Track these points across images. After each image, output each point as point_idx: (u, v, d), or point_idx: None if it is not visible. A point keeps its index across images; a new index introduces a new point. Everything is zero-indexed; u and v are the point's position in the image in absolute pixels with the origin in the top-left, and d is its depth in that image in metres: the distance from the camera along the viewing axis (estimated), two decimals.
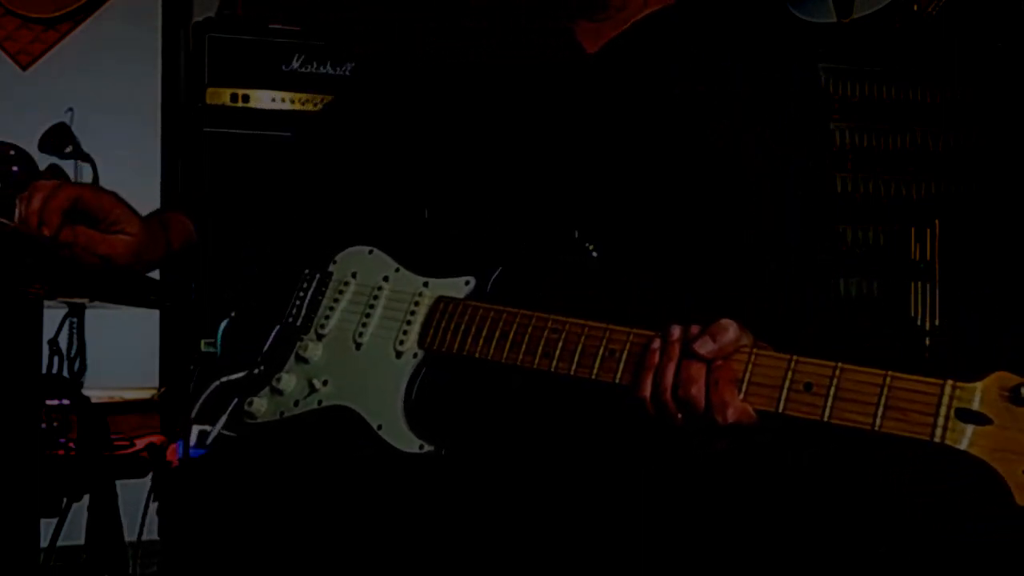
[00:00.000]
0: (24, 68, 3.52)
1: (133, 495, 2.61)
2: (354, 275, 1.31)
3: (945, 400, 0.88)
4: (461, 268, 1.22)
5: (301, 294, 1.34)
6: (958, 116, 2.54)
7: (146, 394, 2.79)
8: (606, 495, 1.18)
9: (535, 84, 1.37)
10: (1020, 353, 2.32)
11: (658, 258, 1.27)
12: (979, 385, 0.87)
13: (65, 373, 2.70)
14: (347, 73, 2.98)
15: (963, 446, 0.86)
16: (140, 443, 2.51)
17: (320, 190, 1.52)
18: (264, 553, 1.18)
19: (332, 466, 1.22)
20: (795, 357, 0.96)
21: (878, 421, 0.90)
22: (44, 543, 2.22)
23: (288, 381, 1.28)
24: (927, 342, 2.47)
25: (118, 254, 1.31)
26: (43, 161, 2.74)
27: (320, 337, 1.29)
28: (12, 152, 2.55)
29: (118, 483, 2.43)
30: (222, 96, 2.88)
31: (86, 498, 2.38)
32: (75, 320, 2.73)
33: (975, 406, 0.87)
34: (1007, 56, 2.48)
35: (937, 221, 2.48)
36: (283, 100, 2.92)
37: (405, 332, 1.22)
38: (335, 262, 1.34)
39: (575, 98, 1.35)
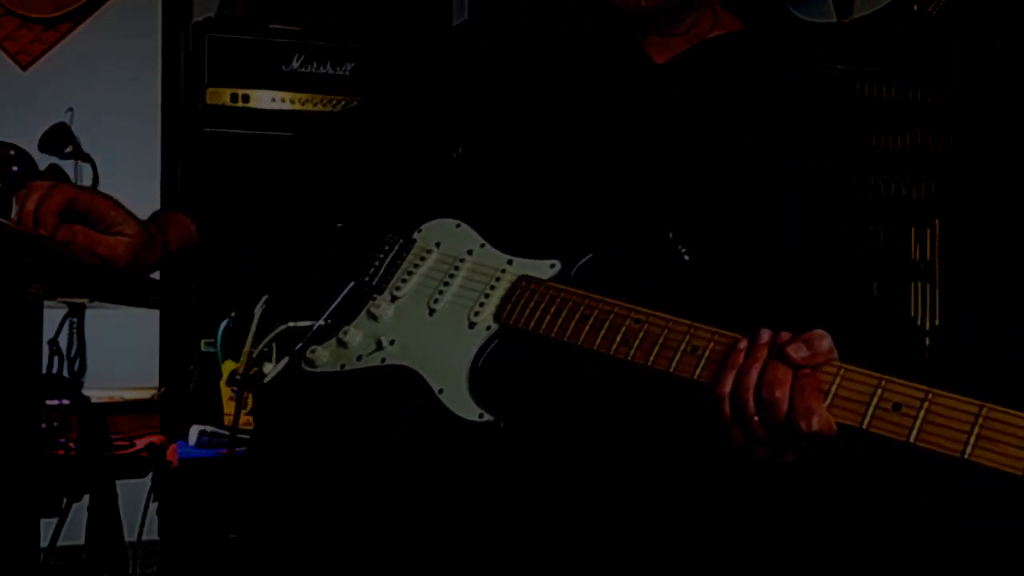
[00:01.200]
0: (24, 68, 3.52)
1: (133, 495, 2.62)
2: (438, 245, 1.34)
3: None
4: (547, 251, 1.25)
5: (381, 255, 1.36)
6: (958, 116, 2.54)
7: (146, 394, 2.79)
8: (657, 493, 1.19)
9: (615, 83, 1.40)
10: (1020, 353, 2.33)
11: (736, 267, 1.29)
12: None
13: (65, 373, 2.70)
14: (347, 73, 2.98)
15: None
16: (140, 443, 2.52)
17: (410, 159, 1.53)
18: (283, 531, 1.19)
19: (381, 425, 1.23)
20: (885, 376, 0.96)
21: (968, 450, 0.89)
22: (44, 543, 2.22)
23: (355, 335, 1.30)
24: (927, 342, 2.47)
25: (117, 255, 1.32)
26: (43, 161, 2.74)
27: (394, 299, 1.31)
28: (12, 152, 2.55)
29: (118, 483, 2.43)
30: (222, 96, 2.88)
31: (86, 498, 2.38)
32: (75, 320, 2.73)
33: None
34: (1007, 56, 2.48)
35: (937, 221, 2.48)
36: (283, 100, 2.93)
37: (482, 304, 1.24)
38: (420, 231, 1.37)
39: (652, 103, 1.38)
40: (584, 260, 1.22)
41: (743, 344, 1.04)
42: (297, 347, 1.32)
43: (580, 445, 1.23)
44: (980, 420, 0.89)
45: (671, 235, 1.19)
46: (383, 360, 1.27)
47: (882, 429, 0.94)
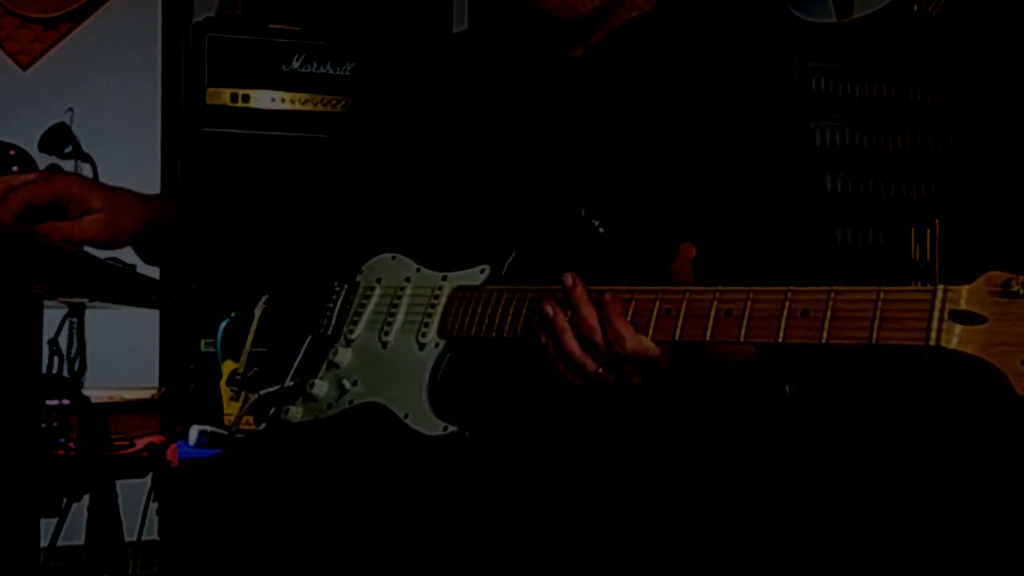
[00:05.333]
0: (24, 68, 3.52)
1: (133, 495, 2.61)
2: (379, 280, 1.37)
3: (937, 304, 0.90)
4: (477, 259, 1.28)
5: (331, 305, 1.39)
6: (958, 116, 2.54)
7: (146, 394, 2.78)
8: (617, 469, 1.22)
9: (526, 86, 1.43)
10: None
11: (654, 231, 1.30)
12: (968, 286, 0.90)
13: (65, 373, 2.70)
14: (347, 73, 2.98)
15: (953, 345, 0.88)
16: (140, 443, 2.51)
17: (340, 207, 1.56)
18: (276, 550, 1.20)
19: (359, 462, 1.26)
20: (791, 288, 0.99)
21: (875, 335, 0.93)
22: (44, 543, 2.22)
23: (321, 387, 1.33)
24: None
25: (97, 234, 1.32)
26: (43, 161, 2.74)
27: (349, 343, 1.34)
28: (12, 152, 2.55)
29: (118, 483, 2.43)
30: (222, 96, 2.88)
31: (86, 498, 2.38)
32: (75, 320, 2.73)
33: (963, 305, 0.89)
34: (1007, 56, 2.48)
35: (937, 221, 2.48)
36: (283, 100, 2.93)
37: (426, 325, 1.27)
38: (361, 272, 1.39)
39: (566, 98, 1.40)
40: (510, 259, 1.25)
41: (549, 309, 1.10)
42: (271, 412, 1.36)
43: (542, 439, 1.26)
44: (880, 304, 0.93)
45: (583, 212, 1.23)
46: (351, 402, 1.30)
47: (798, 337, 0.98)
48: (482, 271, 1.27)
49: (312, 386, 1.33)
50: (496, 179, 1.41)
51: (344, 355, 1.33)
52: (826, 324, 0.95)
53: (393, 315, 1.32)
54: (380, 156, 1.56)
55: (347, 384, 1.31)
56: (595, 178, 1.34)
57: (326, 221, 1.54)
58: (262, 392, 1.40)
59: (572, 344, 1.09)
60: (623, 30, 1.41)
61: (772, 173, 1.33)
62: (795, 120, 1.41)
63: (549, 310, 1.10)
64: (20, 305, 1.70)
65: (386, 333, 1.31)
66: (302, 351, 1.40)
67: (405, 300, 1.32)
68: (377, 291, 1.36)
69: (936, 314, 0.90)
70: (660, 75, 1.37)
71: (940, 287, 0.90)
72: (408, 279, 1.33)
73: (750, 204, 1.31)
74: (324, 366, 1.35)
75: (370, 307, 1.35)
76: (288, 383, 1.38)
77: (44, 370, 2.47)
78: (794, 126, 1.39)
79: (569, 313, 1.10)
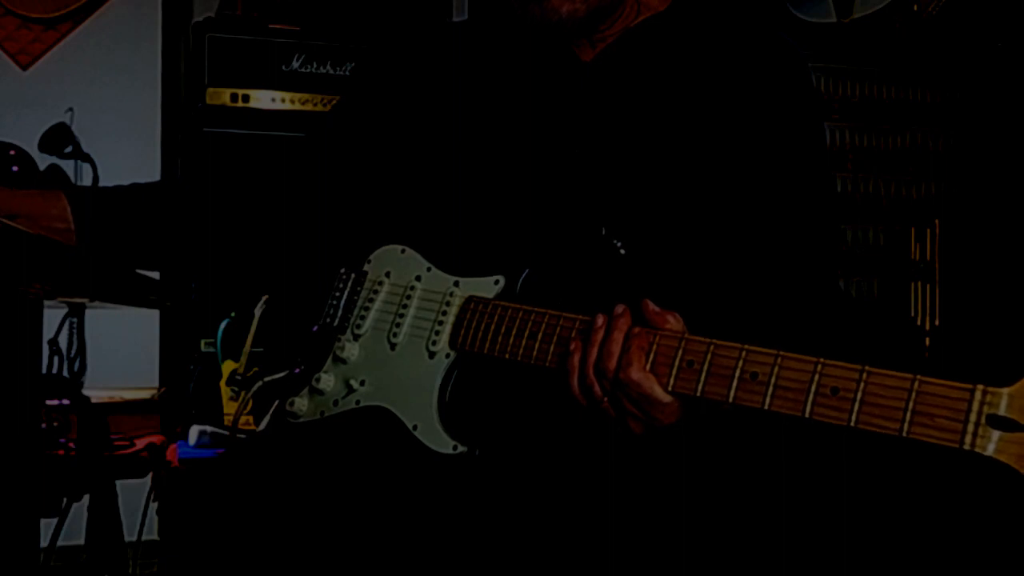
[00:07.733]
0: (24, 68, 3.52)
1: (133, 495, 2.62)
2: (388, 275, 1.34)
3: (975, 406, 0.86)
4: (491, 267, 1.25)
5: (337, 294, 1.37)
6: (958, 116, 2.54)
7: (146, 394, 2.79)
8: (635, 494, 1.20)
9: (534, 87, 1.39)
10: (1021, 353, 2.33)
11: (677, 255, 1.28)
12: (1008, 390, 0.86)
13: (65, 373, 2.70)
14: (347, 73, 2.98)
15: (989, 452, 0.85)
16: (140, 443, 2.52)
17: (352, 190, 1.53)
18: (276, 551, 1.19)
19: (365, 468, 1.25)
20: (822, 360, 0.95)
21: (906, 427, 0.89)
22: (44, 543, 2.22)
23: (327, 381, 1.31)
24: (927, 342, 2.47)
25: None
26: (43, 161, 2.74)
27: (356, 337, 1.33)
28: (12, 152, 2.54)
29: (118, 483, 2.43)
30: (222, 96, 2.88)
31: (86, 498, 2.38)
32: (75, 320, 2.73)
33: (1002, 411, 0.85)
34: (1007, 56, 2.48)
35: (937, 221, 2.48)
36: (283, 100, 2.92)
37: (437, 332, 1.25)
38: (369, 261, 1.37)
39: (579, 105, 1.36)
40: (525, 274, 1.23)
41: (575, 346, 1.11)
42: (276, 404, 1.35)
43: (552, 463, 1.23)
44: (914, 395, 0.89)
45: (604, 231, 1.21)
46: (358, 402, 1.29)
47: (825, 416, 0.94)
48: (496, 282, 1.24)
49: (318, 380, 1.31)
50: (506, 181, 1.37)
51: (351, 350, 1.31)
52: (856, 407, 0.92)
53: (403, 316, 1.29)
54: (384, 151, 1.52)
55: (354, 383, 1.29)
56: (618, 198, 1.30)
57: (328, 219, 1.52)
58: (266, 379, 1.37)
59: (593, 358, 1.08)
60: (633, 33, 1.37)
61: (789, 210, 1.29)
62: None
63: (599, 320, 1.10)
64: (20, 305, 1.70)
65: (395, 335, 1.29)
66: (306, 339, 1.38)
67: (415, 301, 1.29)
68: (386, 286, 1.33)
69: (973, 416, 0.86)
70: (675, 83, 1.33)
71: (979, 388, 0.87)
72: (418, 278, 1.31)
73: (758, 207, 1.28)
74: (330, 359, 1.33)
75: (378, 303, 1.33)
76: (295, 371, 1.36)
77: (44, 370, 2.47)
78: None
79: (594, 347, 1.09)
